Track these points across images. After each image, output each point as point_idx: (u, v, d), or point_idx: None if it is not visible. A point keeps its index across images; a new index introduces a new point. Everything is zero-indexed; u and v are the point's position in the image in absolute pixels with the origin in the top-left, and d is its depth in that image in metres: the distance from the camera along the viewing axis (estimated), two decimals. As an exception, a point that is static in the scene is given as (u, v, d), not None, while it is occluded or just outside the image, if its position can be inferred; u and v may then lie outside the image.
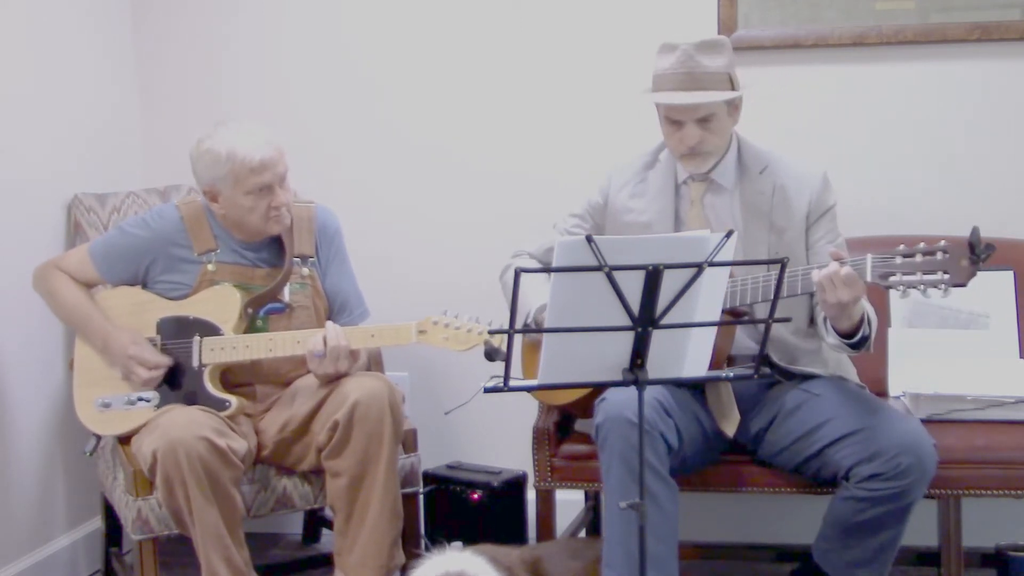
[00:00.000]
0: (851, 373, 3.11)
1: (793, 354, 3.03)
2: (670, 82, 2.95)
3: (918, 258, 2.64)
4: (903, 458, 2.77)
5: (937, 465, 2.82)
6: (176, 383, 3.15)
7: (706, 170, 3.05)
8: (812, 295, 2.84)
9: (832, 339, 2.88)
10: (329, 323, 3.10)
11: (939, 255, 2.62)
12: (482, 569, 2.68)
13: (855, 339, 2.84)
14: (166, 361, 3.13)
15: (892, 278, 2.66)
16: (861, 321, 2.82)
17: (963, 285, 2.61)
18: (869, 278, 2.69)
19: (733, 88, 2.97)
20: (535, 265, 3.20)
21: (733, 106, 3.02)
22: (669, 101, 2.95)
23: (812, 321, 3.04)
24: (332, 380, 3.11)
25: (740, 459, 3.06)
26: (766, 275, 2.86)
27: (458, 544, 3.30)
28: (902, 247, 2.67)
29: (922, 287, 2.63)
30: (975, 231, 2.59)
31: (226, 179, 3.08)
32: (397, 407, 3.06)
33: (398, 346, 3.13)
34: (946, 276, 2.61)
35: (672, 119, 2.99)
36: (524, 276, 3.09)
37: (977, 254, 2.58)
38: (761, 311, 2.93)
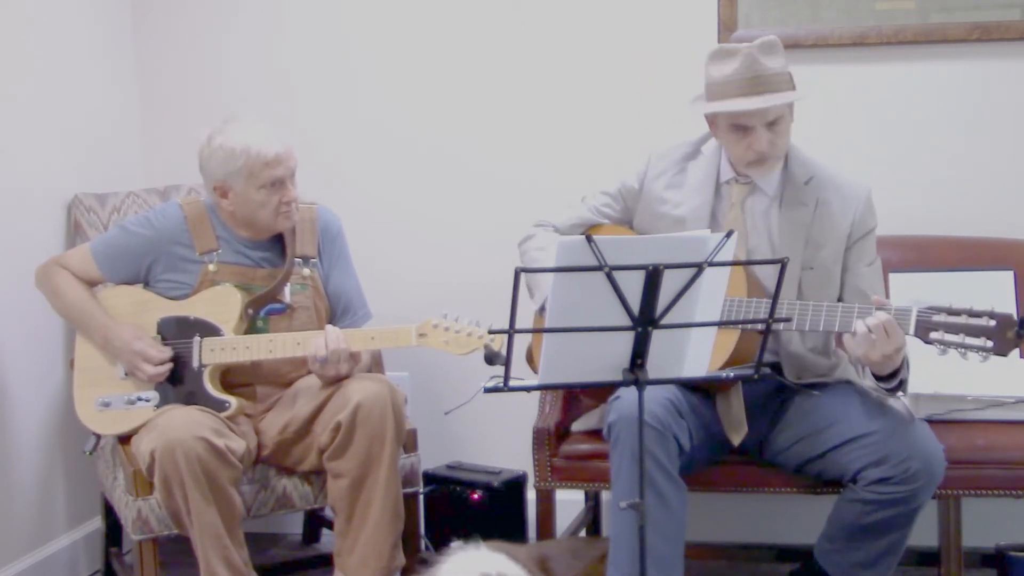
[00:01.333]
0: (855, 376, 3.10)
1: (805, 369, 3.01)
2: (735, 88, 2.85)
3: (963, 319, 2.62)
4: (913, 463, 2.76)
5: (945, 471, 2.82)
6: (176, 383, 3.15)
7: (776, 171, 2.98)
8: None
9: (868, 382, 2.85)
10: (329, 326, 3.10)
11: (985, 320, 2.60)
12: (512, 569, 2.67)
13: (892, 384, 2.81)
14: (170, 354, 3.13)
15: (934, 334, 2.64)
16: (900, 365, 2.78)
17: (1005, 355, 2.60)
18: (912, 332, 2.66)
19: (793, 87, 2.91)
20: (557, 235, 3.09)
21: (793, 108, 2.95)
22: (743, 108, 2.84)
23: (834, 339, 3.01)
24: (334, 382, 3.11)
25: (741, 459, 3.05)
26: (831, 305, 2.79)
27: (458, 543, 3.31)
28: (949, 305, 2.65)
29: (963, 350, 2.62)
30: None
31: (240, 173, 3.09)
32: (399, 409, 3.07)
33: (398, 348, 3.12)
34: (990, 344, 2.60)
35: (739, 125, 2.89)
36: (538, 253, 3.06)
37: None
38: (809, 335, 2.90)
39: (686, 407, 2.87)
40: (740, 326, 2.86)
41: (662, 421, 2.77)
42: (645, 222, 3.09)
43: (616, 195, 3.14)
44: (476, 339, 2.97)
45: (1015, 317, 2.59)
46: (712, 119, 2.98)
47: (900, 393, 2.85)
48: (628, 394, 2.80)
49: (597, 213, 3.15)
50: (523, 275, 3.16)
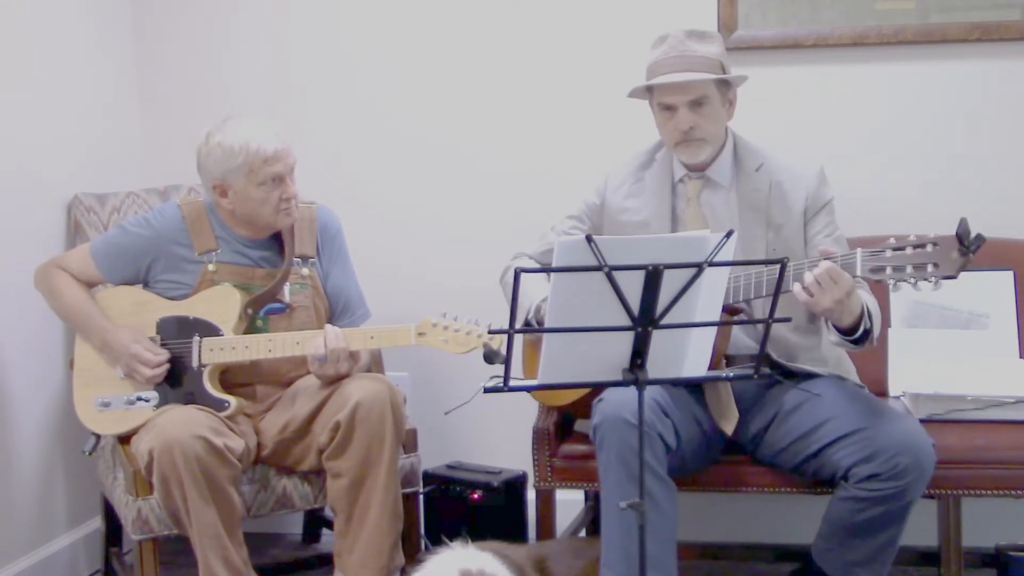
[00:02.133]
0: (851, 372, 3.11)
1: (792, 352, 3.03)
2: (662, 68, 2.99)
3: (908, 251, 2.65)
4: (901, 458, 2.77)
5: (936, 465, 2.82)
6: (175, 383, 3.15)
7: (702, 160, 3.05)
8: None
9: (834, 337, 2.88)
10: (328, 326, 3.10)
11: (929, 247, 2.63)
12: (497, 568, 2.68)
13: (856, 334, 2.84)
14: (166, 357, 3.13)
15: (883, 272, 2.67)
16: (861, 315, 2.82)
17: (953, 277, 2.61)
18: (859, 272, 2.70)
19: (723, 72, 3.00)
20: (534, 267, 3.20)
21: (727, 96, 3.04)
22: (659, 81, 2.97)
23: (812, 318, 3.04)
24: (333, 381, 3.11)
25: (739, 459, 3.06)
26: (759, 271, 2.86)
27: (456, 543, 3.31)
28: (892, 240, 2.68)
29: (912, 280, 2.64)
30: (963, 222, 2.60)
31: (239, 170, 3.09)
32: (399, 409, 3.07)
33: (397, 347, 3.12)
34: (936, 268, 2.61)
35: (665, 105, 3.01)
36: (524, 275, 3.10)
37: (967, 245, 2.59)
38: (758, 307, 2.93)
39: (671, 405, 2.89)
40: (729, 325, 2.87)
41: (646, 421, 2.76)
42: (612, 233, 3.14)
43: (581, 216, 3.23)
44: (475, 338, 2.97)
45: (955, 234, 2.59)
46: (650, 105, 3.08)
47: (868, 344, 2.87)
48: (611, 395, 2.82)
49: (566, 237, 3.19)
50: (504, 293, 3.22)
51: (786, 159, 3.10)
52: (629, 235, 3.07)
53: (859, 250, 2.71)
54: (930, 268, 2.62)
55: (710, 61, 2.99)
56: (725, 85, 3.03)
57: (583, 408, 3.01)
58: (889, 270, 2.66)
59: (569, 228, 3.23)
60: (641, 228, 3.10)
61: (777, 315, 2.92)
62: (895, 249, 2.67)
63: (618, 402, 2.78)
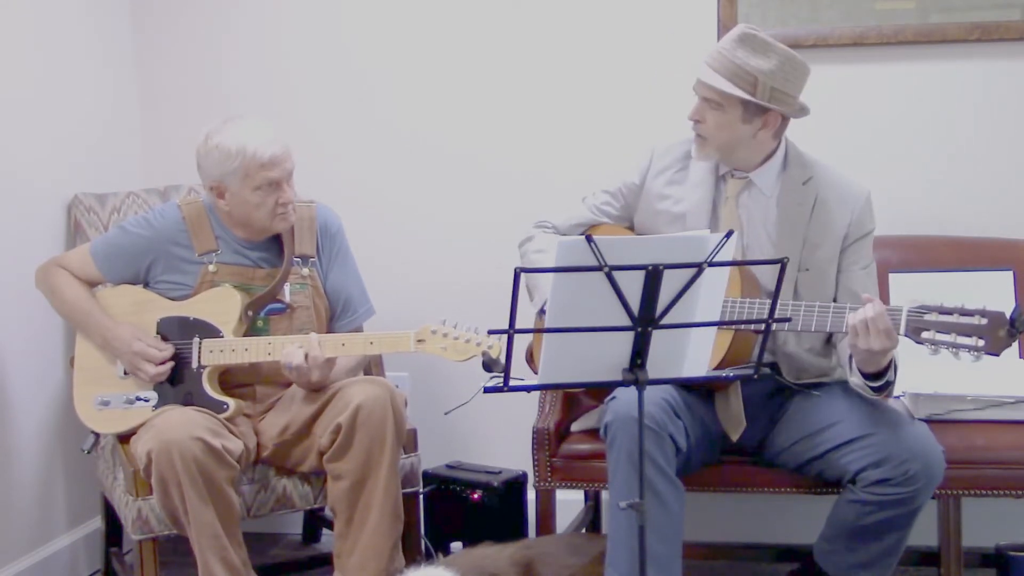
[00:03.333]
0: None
1: (803, 369, 3.01)
2: (706, 57, 2.93)
3: (955, 318, 2.61)
4: (912, 464, 2.76)
5: (945, 471, 2.82)
6: (175, 384, 3.15)
7: (706, 158, 2.99)
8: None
9: (856, 379, 2.83)
10: (312, 334, 3.08)
11: (977, 319, 2.59)
12: None
13: (879, 383, 2.81)
14: (171, 352, 3.13)
15: (925, 333, 2.63)
16: (888, 367, 2.78)
17: (997, 355, 2.58)
18: (903, 331, 2.65)
19: (757, 97, 2.87)
20: (557, 236, 3.10)
21: (756, 117, 2.91)
22: (696, 73, 2.91)
23: (828, 340, 3.00)
24: (315, 389, 3.11)
25: (741, 459, 3.06)
26: (824, 305, 2.79)
27: (458, 544, 3.32)
28: (940, 304, 2.63)
29: (954, 350, 2.60)
30: (1018, 308, 2.56)
31: (235, 174, 3.08)
32: (399, 411, 3.06)
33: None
34: (981, 343, 2.58)
35: (694, 89, 2.95)
36: (537, 256, 3.07)
37: (1017, 327, 2.55)
38: (792, 339, 2.91)
39: (683, 407, 2.87)
40: (736, 327, 2.86)
41: (658, 421, 2.77)
42: (646, 219, 3.10)
43: (616, 193, 3.15)
44: (474, 346, 2.96)
45: (1007, 315, 2.57)
46: None
47: (885, 395, 2.84)
48: (624, 394, 2.81)
49: (597, 212, 3.16)
50: (523, 276, 3.19)
51: (836, 176, 3.02)
52: (664, 224, 3.03)
53: (905, 308, 2.66)
54: (975, 340, 2.58)
55: (743, 73, 2.86)
56: (754, 105, 2.88)
57: (595, 390, 2.99)
58: (932, 334, 2.62)
59: (602, 203, 3.16)
60: (677, 220, 3.02)
61: (804, 346, 2.91)
62: (941, 312, 2.62)
63: (631, 401, 2.75)
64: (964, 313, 2.60)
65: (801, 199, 2.98)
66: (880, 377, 2.80)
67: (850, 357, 2.82)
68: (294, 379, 3.08)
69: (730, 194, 3.01)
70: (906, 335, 2.66)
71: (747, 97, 2.87)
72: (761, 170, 3.00)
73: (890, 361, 2.78)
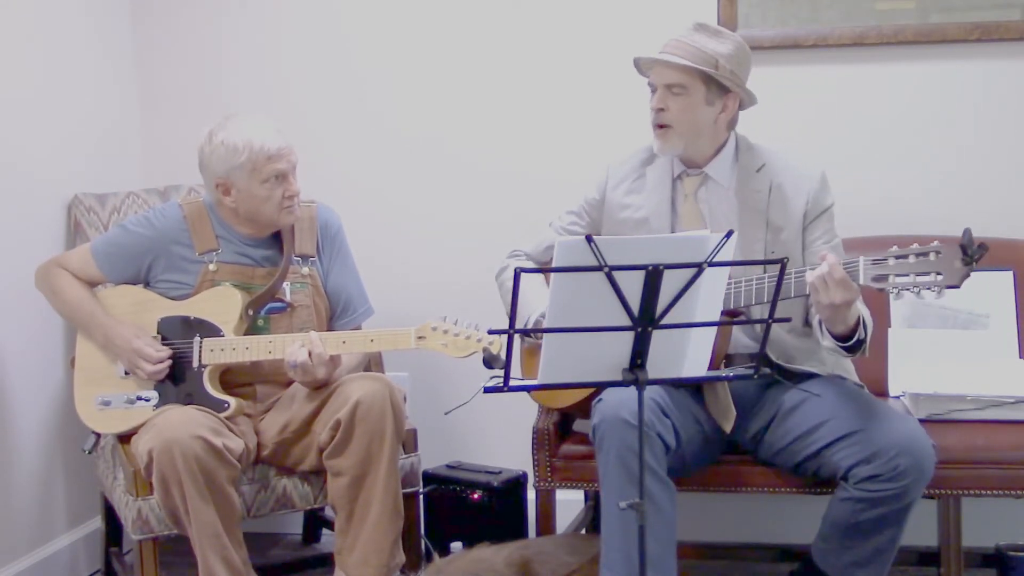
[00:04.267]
0: (850, 372, 3.11)
1: (790, 354, 3.02)
2: (661, 48, 2.98)
3: (911, 259, 2.63)
4: (901, 459, 2.76)
5: (936, 465, 2.82)
6: (175, 383, 3.15)
7: (673, 151, 3.02)
8: (807, 296, 2.83)
9: (828, 342, 2.87)
10: (312, 332, 3.09)
11: (932, 256, 2.61)
12: None
13: (850, 342, 2.83)
14: (168, 353, 3.14)
15: (885, 280, 2.65)
16: (857, 324, 2.81)
17: (956, 286, 2.59)
18: (862, 280, 2.68)
19: (719, 75, 2.94)
20: (532, 265, 3.20)
21: (717, 98, 2.98)
22: (639, 55, 2.98)
23: (807, 321, 3.03)
24: (318, 387, 3.11)
25: (739, 459, 3.06)
26: (760, 277, 2.85)
27: (458, 544, 3.32)
28: (895, 248, 2.66)
29: (916, 288, 2.62)
30: (967, 232, 2.58)
31: (243, 168, 3.09)
32: (399, 406, 3.07)
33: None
34: (939, 277, 2.60)
35: (650, 85, 3.01)
36: (523, 279, 3.09)
37: (970, 255, 2.57)
38: (756, 311, 2.93)
39: (671, 405, 2.88)
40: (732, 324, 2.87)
41: (645, 421, 2.76)
42: (611, 230, 3.14)
43: (580, 211, 3.22)
44: (475, 342, 2.97)
45: (959, 244, 2.58)
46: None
47: (860, 353, 2.87)
48: (611, 396, 2.82)
49: (564, 232, 3.21)
50: (500, 293, 3.22)
51: (789, 161, 3.08)
52: (628, 233, 3.07)
53: (861, 258, 2.69)
54: (933, 276, 2.60)
55: (703, 55, 2.94)
56: (716, 86, 2.97)
57: (584, 408, 3.01)
58: (892, 278, 2.64)
59: (568, 224, 3.22)
60: (641, 225, 3.08)
61: (785, 328, 2.93)
62: (897, 257, 2.65)
63: (617, 402, 2.78)
64: (919, 253, 2.63)
65: (757, 186, 3.04)
66: (849, 337, 2.81)
67: (820, 322, 2.86)
68: (298, 378, 3.09)
69: (688, 191, 3.07)
70: (866, 283, 2.68)
71: (711, 72, 2.94)
72: (715, 162, 3.05)
73: (858, 318, 2.80)
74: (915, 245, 2.64)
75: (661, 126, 3.00)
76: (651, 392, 2.83)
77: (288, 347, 3.06)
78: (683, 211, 3.06)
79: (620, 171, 3.17)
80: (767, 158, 3.07)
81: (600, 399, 2.86)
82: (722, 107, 3.00)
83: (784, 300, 2.77)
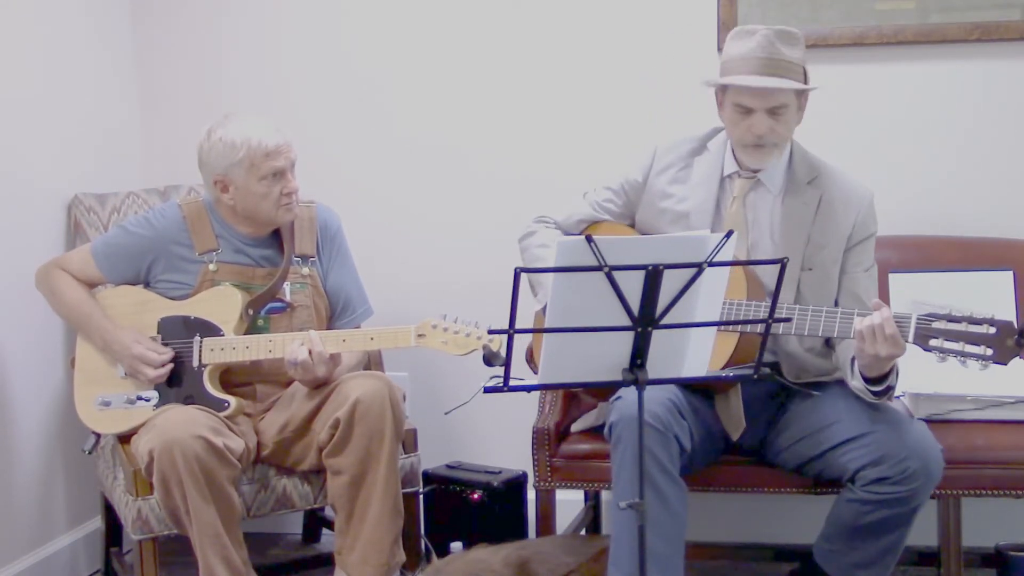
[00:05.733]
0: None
1: (804, 369, 3.00)
2: (748, 65, 2.85)
3: (963, 327, 2.60)
4: (911, 463, 2.76)
5: (944, 471, 2.82)
6: (176, 383, 3.15)
7: (769, 164, 2.95)
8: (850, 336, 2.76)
9: (857, 383, 2.83)
10: (312, 331, 3.09)
11: (985, 328, 2.59)
12: None
13: (880, 388, 2.80)
14: (170, 355, 3.13)
15: (933, 341, 2.62)
16: (890, 372, 2.78)
17: (1004, 364, 2.58)
18: (911, 339, 2.65)
19: (806, 82, 2.89)
20: (558, 233, 3.12)
21: (801, 103, 2.93)
22: (749, 84, 2.83)
23: (827, 343, 3.00)
24: (318, 386, 3.11)
25: (741, 459, 3.06)
26: (831, 310, 2.78)
27: (458, 544, 3.32)
28: (949, 312, 2.62)
29: (962, 358, 2.60)
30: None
31: (240, 165, 3.09)
32: (398, 405, 3.07)
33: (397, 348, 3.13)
34: (990, 352, 2.57)
35: (742, 106, 2.88)
36: (540, 251, 3.06)
37: None
38: (793, 340, 2.90)
39: (687, 407, 2.87)
40: (739, 328, 2.86)
41: (663, 421, 2.77)
42: (648, 217, 3.08)
43: (619, 190, 3.13)
44: (475, 340, 2.97)
45: (1015, 325, 2.57)
46: (720, 97, 2.96)
47: (886, 399, 2.84)
48: (630, 394, 2.79)
49: (599, 208, 3.14)
50: (525, 273, 3.19)
51: (841, 177, 3.00)
52: (666, 224, 3.01)
53: (914, 316, 2.64)
54: (983, 350, 2.58)
55: (795, 67, 2.87)
56: (804, 95, 2.92)
57: (592, 391, 2.99)
58: (941, 342, 2.61)
59: (604, 200, 3.13)
60: (680, 219, 3.00)
61: (805, 346, 2.90)
62: (949, 320, 2.62)
63: (635, 402, 2.76)
64: (973, 322, 2.60)
65: (806, 198, 2.97)
66: (882, 382, 2.79)
67: (852, 360, 2.82)
68: (299, 376, 3.09)
69: (737, 194, 3.00)
70: (914, 343, 2.65)
71: (811, 86, 2.88)
72: (769, 168, 2.98)
73: (893, 366, 2.78)
74: (970, 313, 2.61)
75: (760, 145, 2.91)
76: (669, 393, 2.83)
77: (288, 345, 3.06)
78: (728, 213, 2.98)
79: (667, 157, 3.07)
80: (821, 170, 3.00)
81: (619, 396, 2.85)
82: (801, 110, 2.94)
83: (829, 336, 2.75)
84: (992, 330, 2.58)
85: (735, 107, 2.89)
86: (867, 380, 2.80)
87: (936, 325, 2.63)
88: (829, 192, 2.98)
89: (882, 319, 2.63)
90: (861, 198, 2.99)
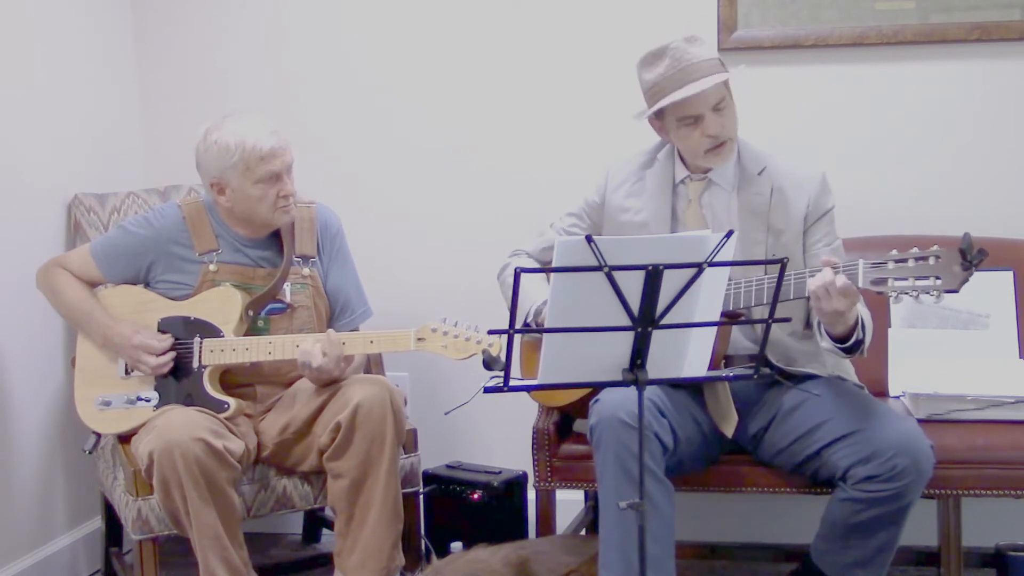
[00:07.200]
0: (850, 373, 3.11)
1: (790, 355, 3.02)
2: (671, 83, 2.92)
3: (910, 263, 2.64)
4: (899, 460, 2.76)
5: (935, 465, 2.82)
6: (175, 384, 3.15)
7: (727, 161, 3.01)
8: (807, 299, 2.83)
9: (826, 343, 2.87)
10: (330, 331, 3.09)
11: (931, 260, 2.61)
12: None
13: (848, 343, 2.84)
14: (171, 342, 3.13)
15: (884, 284, 2.66)
16: (855, 325, 2.81)
17: (955, 291, 2.60)
18: (861, 284, 2.68)
19: (725, 69, 2.95)
20: (533, 264, 3.20)
21: (731, 93, 2.98)
22: (688, 94, 2.87)
23: (808, 324, 3.03)
24: (327, 384, 3.11)
25: (739, 459, 3.06)
26: (760, 278, 2.85)
27: (458, 544, 3.32)
28: (894, 252, 2.67)
29: (915, 292, 2.62)
30: (966, 237, 2.59)
31: (236, 168, 3.09)
32: (399, 410, 3.07)
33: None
34: (938, 281, 2.60)
35: (689, 116, 2.93)
36: (522, 276, 3.09)
37: (969, 260, 2.57)
38: (758, 313, 2.92)
39: (668, 405, 2.88)
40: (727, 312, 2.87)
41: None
42: (611, 233, 3.13)
43: (580, 214, 3.20)
44: (474, 344, 2.97)
45: (959, 248, 2.58)
46: (660, 124, 3.02)
47: (858, 354, 2.87)
48: (608, 396, 2.82)
49: (565, 235, 3.19)
50: (504, 289, 3.21)
51: (789, 164, 3.07)
52: (628, 235, 3.06)
53: (861, 261, 2.69)
54: (932, 281, 2.60)
55: (712, 62, 2.94)
56: (728, 86, 2.99)
57: (582, 408, 3.01)
58: (891, 282, 2.64)
59: (569, 226, 3.21)
60: (640, 229, 3.08)
61: (786, 331, 2.92)
62: (897, 261, 2.65)
63: (615, 402, 2.78)
64: (919, 257, 2.63)
65: (759, 188, 3.03)
66: (848, 338, 2.82)
67: (819, 323, 2.86)
68: (312, 378, 3.08)
69: (693, 196, 3.06)
70: (866, 286, 2.68)
71: (735, 72, 2.94)
72: (719, 166, 3.03)
73: (857, 319, 2.81)
74: (914, 249, 2.65)
75: (719, 144, 2.95)
76: (648, 392, 2.81)
77: (302, 344, 3.05)
78: (687, 216, 3.05)
79: (620, 173, 3.16)
80: (768, 161, 3.06)
81: (597, 399, 2.86)
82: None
83: (784, 302, 2.78)
84: (937, 260, 2.61)
85: (680, 122, 2.96)
86: (834, 339, 2.83)
87: (885, 266, 2.66)
88: (779, 179, 3.04)
89: (831, 275, 2.67)
90: (811, 178, 3.05)
